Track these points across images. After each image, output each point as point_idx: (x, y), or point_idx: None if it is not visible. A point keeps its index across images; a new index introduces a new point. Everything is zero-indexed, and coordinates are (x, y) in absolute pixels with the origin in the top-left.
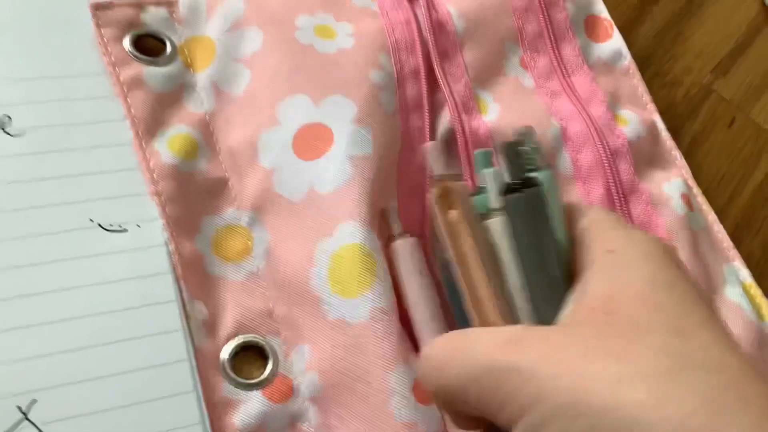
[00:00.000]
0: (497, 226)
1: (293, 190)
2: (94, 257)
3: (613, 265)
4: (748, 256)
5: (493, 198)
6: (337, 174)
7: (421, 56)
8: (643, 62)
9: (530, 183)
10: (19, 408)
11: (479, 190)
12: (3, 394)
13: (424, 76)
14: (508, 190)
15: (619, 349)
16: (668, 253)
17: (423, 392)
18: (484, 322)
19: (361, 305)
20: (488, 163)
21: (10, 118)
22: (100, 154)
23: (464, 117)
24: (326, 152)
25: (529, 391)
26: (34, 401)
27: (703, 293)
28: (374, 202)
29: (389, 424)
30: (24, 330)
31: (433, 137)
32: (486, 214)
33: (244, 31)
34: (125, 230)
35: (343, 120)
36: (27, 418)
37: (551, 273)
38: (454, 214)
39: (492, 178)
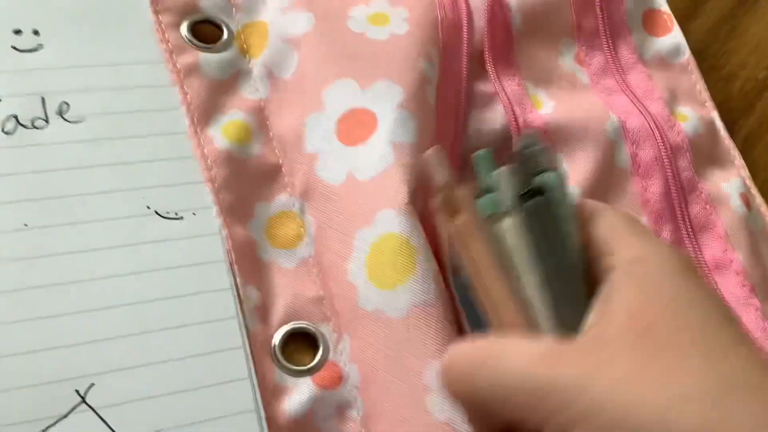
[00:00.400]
0: (511, 227)
1: (334, 175)
2: (151, 244)
3: (640, 275)
4: None
5: (505, 198)
6: (378, 160)
7: (465, 59)
8: (697, 56)
9: (542, 187)
10: (77, 392)
11: (482, 193)
12: (61, 377)
13: (464, 83)
14: (522, 194)
15: (663, 370)
16: (692, 268)
17: None
18: (502, 326)
19: (399, 297)
20: (491, 163)
21: (68, 105)
22: (157, 142)
23: (518, 111)
24: (369, 138)
25: (580, 407)
26: (92, 385)
27: (729, 312)
28: (415, 190)
29: (425, 422)
30: (81, 315)
31: (459, 147)
32: (494, 215)
33: (296, 13)
34: (181, 218)
35: (390, 104)
36: (85, 402)
37: (571, 276)
38: (461, 219)
39: (506, 177)
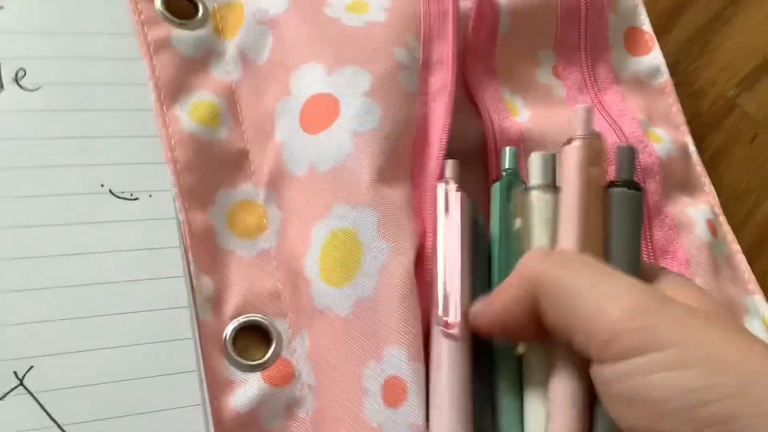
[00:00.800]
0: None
1: (298, 165)
2: (102, 224)
3: None
4: (763, 273)
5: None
6: (338, 150)
7: (452, 46)
8: (669, 70)
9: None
10: (15, 373)
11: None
12: (0, 357)
13: (452, 66)
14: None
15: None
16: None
17: (392, 394)
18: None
19: (344, 295)
20: (515, 160)
21: (25, 71)
22: (117, 117)
23: (494, 117)
24: (330, 126)
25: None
26: (30, 368)
27: None
28: (376, 182)
29: (360, 426)
30: (25, 293)
31: (451, 128)
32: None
33: None
34: (136, 198)
35: (354, 91)
36: (22, 384)
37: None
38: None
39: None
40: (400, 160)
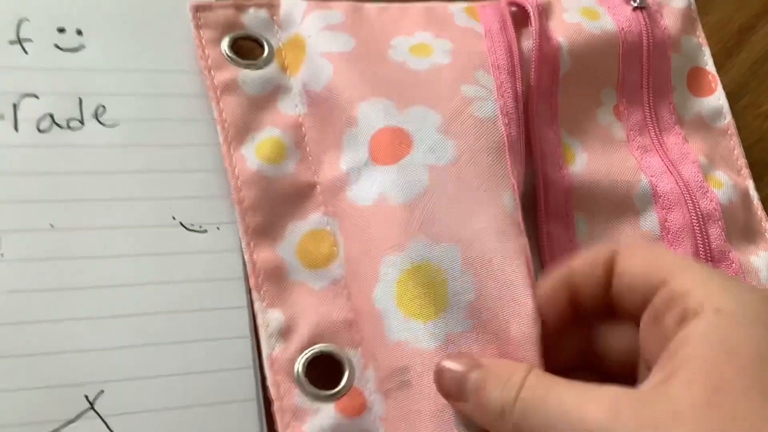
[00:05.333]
0: None
1: (364, 196)
2: (172, 255)
3: (720, 328)
4: None
5: None
6: (412, 183)
7: (520, 79)
8: (738, 91)
9: None
10: (86, 397)
11: None
12: (72, 382)
13: (521, 98)
14: None
15: None
16: None
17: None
18: None
19: (429, 330)
20: None
21: (104, 108)
22: (188, 153)
23: (548, 169)
24: (403, 158)
25: None
26: (101, 392)
27: None
28: (452, 215)
29: None
30: (97, 321)
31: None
32: None
33: (337, 33)
34: (205, 231)
35: (426, 126)
36: (93, 408)
37: None
38: None
39: None
40: (486, 183)
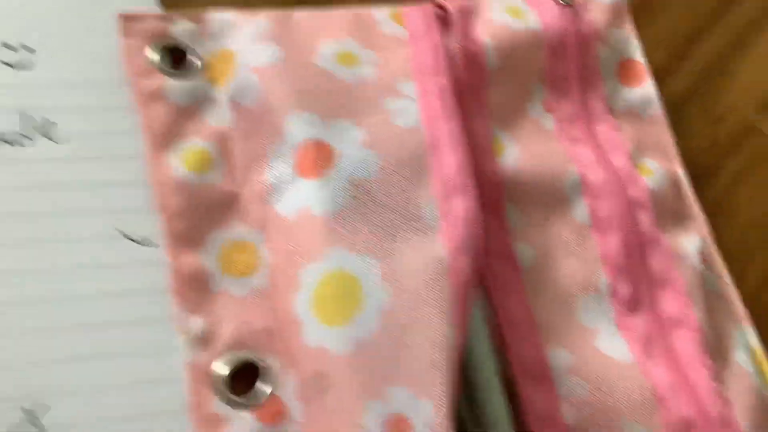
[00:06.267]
0: None
1: (288, 207)
2: (120, 268)
3: None
4: None
5: None
6: (335, 196)
7: (447, 78)
8: (689, 97)
9: None
10: (30, 411)
11: None
12: (11, 396)
13: (450, 95)
14: None
15: None
16: None
17: (396, 429)
18: None
19: (343, 335)
20: None
21: (53, 123)
22: (135, 166)
23: (479, 162)
24: (326, 171)
25: None
26: (42, 406)
27: None
28: (373, 228)
29: None
30: (44, 333)
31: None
32: None
33: (264, 44)
34: (150, 243)
35: (350, 141)
36: (30, 422)
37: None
38: None
39: None
40: (406, 192)
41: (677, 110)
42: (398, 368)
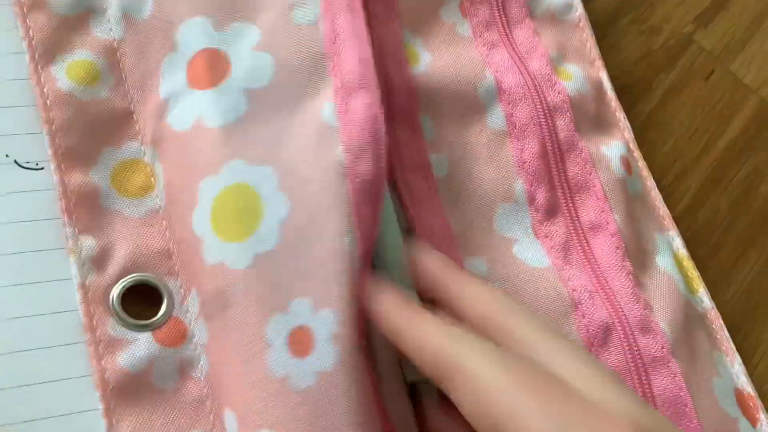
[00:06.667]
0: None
1: (182, 121)
2: (7, 195)
3: None
4: (714, 212)
5: None
6: (229, 108)
7: None
8: (621, 8)
9: None
10: None
11: None
12: None
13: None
14: None
15: None
16: None
17: (299, 344)
18: None
19: (242, 250)
20: None
21: None
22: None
23: (391, 68)
24: (220, 82)
25: None
26: None
27: None
28: (269, 137)
29: (263, 377)
30: None
31: (371, 38)
32: None
33: None
34: (41, 168)
35: (244, 47)
36: None
37: None
38: None
39: None
40: (304, 88)
41: (610, 21)
42: (300, 280)
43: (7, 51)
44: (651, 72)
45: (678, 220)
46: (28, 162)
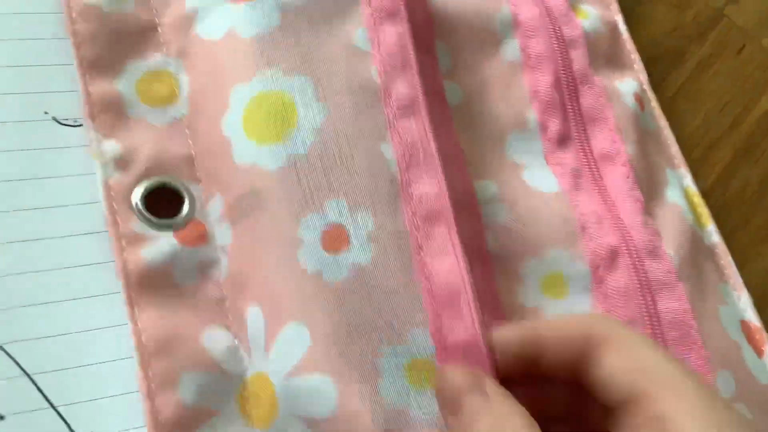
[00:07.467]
0: None
1: (213, 30)
2: (48, 150)
3: None
4: (745, 185)
5: None
6: (263, 20)
7: None
8: None
9: None
10: None
11: None
12: None
13: None
14: None
15: None
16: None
17: (333, 241)
18: None
19: (276, 152)
20: None
21: None
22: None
23: None
24: None
25: None
26: None
27: None
28: (303, 48)
29: (296, 275)
30: None
31: None
32: None
33: None
34: (80, 125)
35: None
36: None
37: None
38: None
39: None
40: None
41: None
42: (335, 181)
43: (47, 10)
44: (682, 44)
45: (708, 193)
46: (66, 119)
